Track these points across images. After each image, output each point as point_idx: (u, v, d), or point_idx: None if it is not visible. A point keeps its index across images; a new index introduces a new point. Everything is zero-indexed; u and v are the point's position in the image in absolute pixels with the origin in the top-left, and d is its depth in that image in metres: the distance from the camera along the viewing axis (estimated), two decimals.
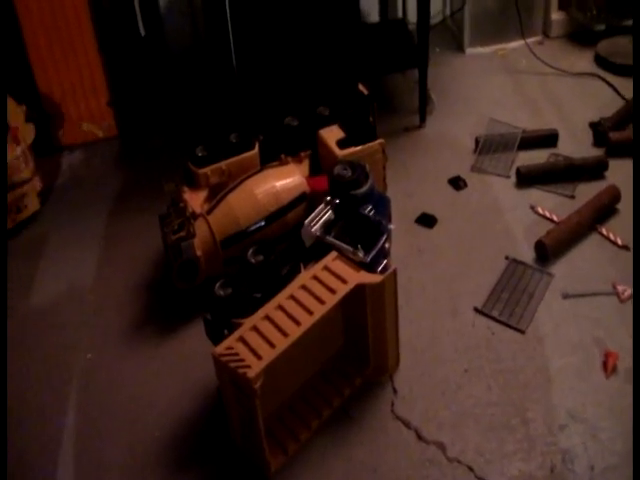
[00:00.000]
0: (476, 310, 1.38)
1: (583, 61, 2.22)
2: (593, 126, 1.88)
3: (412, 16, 2.24)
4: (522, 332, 1.32)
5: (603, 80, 2.10)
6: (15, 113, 1.74)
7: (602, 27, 2.33)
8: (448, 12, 2.50)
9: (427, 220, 1.63)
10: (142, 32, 2.28)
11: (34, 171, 1.75)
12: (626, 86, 2.04)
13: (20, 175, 1.70)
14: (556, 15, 2.37)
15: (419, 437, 1.16)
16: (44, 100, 1.98)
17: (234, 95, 1.88)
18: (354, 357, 1.28)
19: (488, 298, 1.39)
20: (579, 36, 2.34)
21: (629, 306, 1.36)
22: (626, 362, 1.24)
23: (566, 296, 1.39)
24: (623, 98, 1.99)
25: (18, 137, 1.73)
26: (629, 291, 1.38)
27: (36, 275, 1.58)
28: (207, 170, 1.52)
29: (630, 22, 2.21)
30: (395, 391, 1.24)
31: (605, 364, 1.24)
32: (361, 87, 1.75)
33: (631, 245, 1.48)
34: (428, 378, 1.25)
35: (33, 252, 1.63)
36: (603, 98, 2.02)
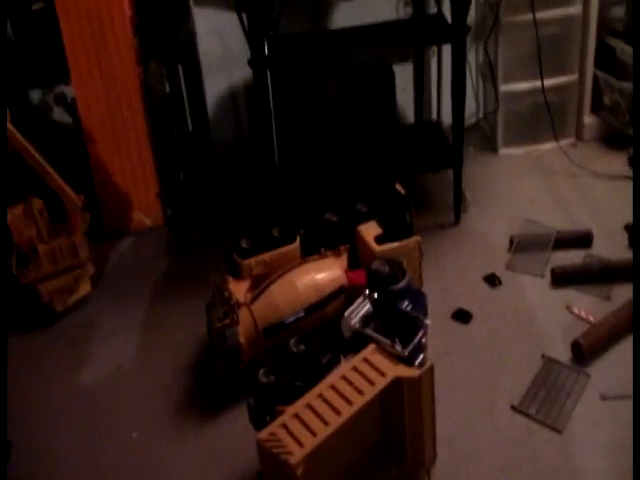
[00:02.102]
0: (513, 408, 1.48)
1: (616, 164, 2.42)
2: (628, 228, 2.05)
3: (446, 118, 2.53)
4: (559, 432, 1.41)
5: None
6: (74, 202, 2.01)
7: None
8: (481, 114, 2.79)
9: (463, 316, 1.78)
10: (190, 128, 2.62)
11: (88, 256, 1.99)
12: None
13: (76, 260, 1.94)
14: (589, 119, 2.60)
15: None
16: (98, 190, 2.27)
17: (277, 191, 2.12)
18: (391, 450, 1.38)
19: (525, 396, 1.50)
20: (612, 139, 2.56)
21: None
22: None
23: (604, 397, 1.49)
24: None
25: (76, 225, 1.99)
26: None
27: (84, 356, 1.76)
28: (251, 261, 1.71)
29: None
30: None
31: None
32: (399, 186, 1.98)
33: None
34: (465, 474, 1.34)
35: (82, 333, 1.83)
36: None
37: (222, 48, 2.54)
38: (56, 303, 1.91)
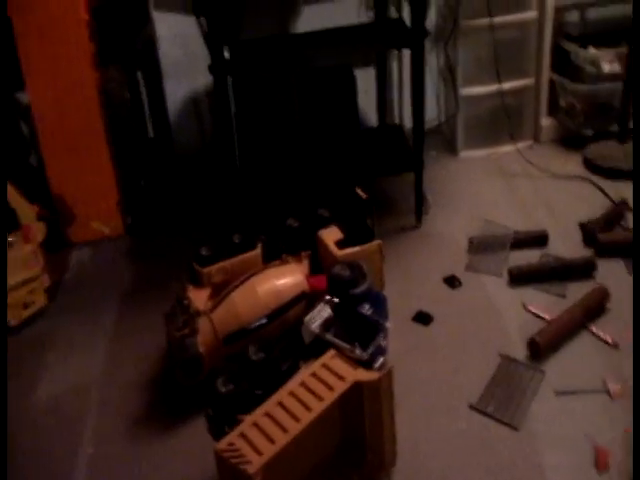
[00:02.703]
0: (471, 407, 1.51)
1: (572, 164, 2.48)
2: (582, 227, 2.11)
3: (408, 121, 2.56)
4: (516, 429, 1.44)
5: (591, 183, 2.35)
6: (27, 212, 1.97)
7: (590, 132, 2.63)
8: (442, 118, 2.83)
9: (423, 318, 1.80)
10: (151, 134, 2.60)
11: (43, 268, 1.95)
12: (613, 188, 2.29)
13: (30, 272, 1.90)
14: (545, 121, 2.67)
15: None
16: (55, 199, 2.22)
17: (238, 197, 2.12)
18: (352, 454, 1.39)
19: (482, 395, 1.53)
20: (568, 141, 2.62)
21: (620, 404, 1.48)
22: (618, 458, 1.35)
23: (558, 393, 1.52)
24: (611, 200, 2.24)
25: (29, 235, 1.95)
26: (619, 388, 1.51)
27: (42, 370, 1.72)
28: (211, 269, 1.70)
29: (615, 127, 2.51)
30: None
31: (597, 461, 1.35)
32: (359, 191, 2.00)
33: (621, 343, 1.64)
34: (424, 475, 1.36)
35: (40, 347, 1.79)
36: (592, 200, 2.25)
37: (184, 53, 2.52)
38: (10, 317, 1.87)
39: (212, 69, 1.95)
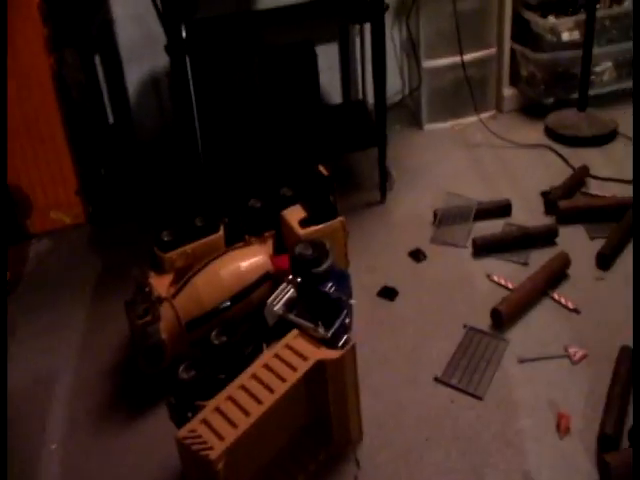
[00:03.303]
0: (436, 379, 1.49)
1: (534, 133, 2.46)
2: (544, 195, 2.09)
3: (371, 96, 2.50)
4: (480, 398, 1.43)
5: (553, 151, 2.33)
6: None
7: (551, 101, 2.61)
8: (406, 91, 2.78)
9: (388, 293, 1.77)
10: (110, 120, 2.50)
11: None
12: (574, 155, 2.28)
13: None
14: (508, 91, 2.64)
15: None
16: (12, 189, 2.13)
17: (199, 179, 2.06)
18: (318, 432, 1.36)
19: (447, 366, 1.51)
20: (530, 110, 2.60)
21: (581, 368, 1.48)
22: (579, 423, 1.35)
23: (521, 361, 1.51)
24: (572, 167, 2.22)
25: None
26: (580, 353, 1.52)
27: None
28: (172, 254, 1.64)
29: (575, 95, 2.49)
30: (358, 464, 1.32)
31: (559, 426, 1.35)
32: (321, 168, 1.95)
33: (580, 308, 1.64)
34: (390, 449, 1.34)
35: None
36: (553, 168, 2.24)
37: (142, 34, 2.42)
38: None
39: (169, 49, 1.88)
